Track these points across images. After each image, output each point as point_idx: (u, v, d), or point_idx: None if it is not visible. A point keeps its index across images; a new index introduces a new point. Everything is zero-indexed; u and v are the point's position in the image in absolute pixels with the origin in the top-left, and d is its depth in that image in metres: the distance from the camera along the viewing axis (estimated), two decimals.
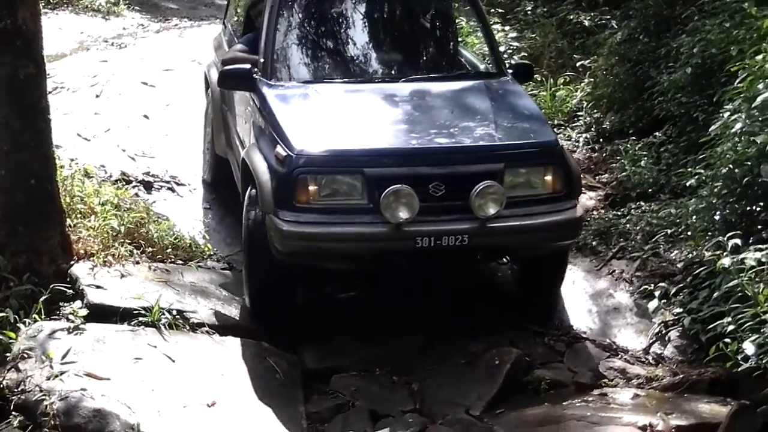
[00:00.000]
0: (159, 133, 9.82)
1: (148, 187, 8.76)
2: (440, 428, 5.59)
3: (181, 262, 7.23)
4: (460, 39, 8.41)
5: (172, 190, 8.83)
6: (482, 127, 6.46)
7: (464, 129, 6.46)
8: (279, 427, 5.54)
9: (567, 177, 6.25)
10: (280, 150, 6.14)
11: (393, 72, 7.32)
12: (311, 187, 6.01)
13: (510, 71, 7.41)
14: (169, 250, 7.30)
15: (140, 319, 6.20)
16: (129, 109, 10.30)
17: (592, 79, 10.62)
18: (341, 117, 6.48)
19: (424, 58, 7.62)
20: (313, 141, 6.17)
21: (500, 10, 12.93)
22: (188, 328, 6.29)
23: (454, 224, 6.01)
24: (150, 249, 7.21)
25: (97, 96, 10.65)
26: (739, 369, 4.69)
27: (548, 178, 6.21)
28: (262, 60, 7.07)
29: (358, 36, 7.55)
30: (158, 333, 6.14)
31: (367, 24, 7.67)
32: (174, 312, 6.31)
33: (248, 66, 7.03)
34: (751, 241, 5.22)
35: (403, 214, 5.91)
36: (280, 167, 6.10)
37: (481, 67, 7.66)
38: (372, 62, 7.52)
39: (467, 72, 7.47)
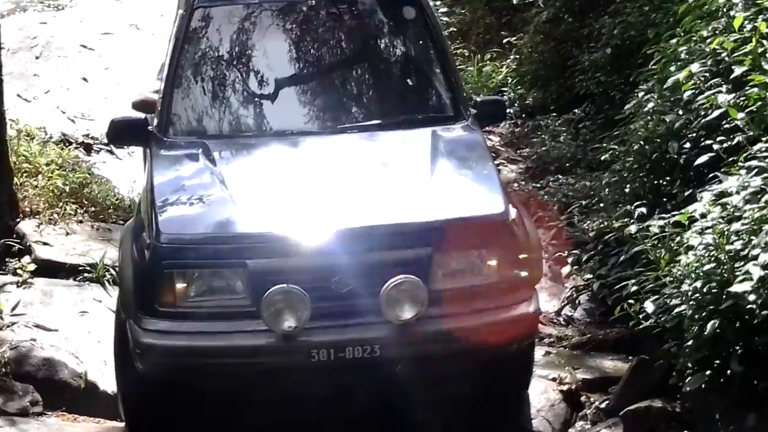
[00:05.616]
0: (98, 95, 10.09)
1: (88, 149, 9.08)
2: None
3: (122, 222, 7.51)
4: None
5: (111, 152, 9.12)
6: (409, 198, 4.95)
7: (384, 201, 4.95)
8: None
9: (518, 261, 4.81)
10: (146, 235, 4.81)
11: (319, 123, 5.79)
12: (179, 285, 4.63)
13: (474, 111, 5.79)
14: (110, 211, 7.67)
15: (85, 275, 6.56)
16: (69, 72, 10.57)
17: (517, 56, 11.10)
18: (232, 189, 5.00)
19: (363, 102, 6.03)
20: (187, 224, 4.85)
21: None
22: None
23: (360, 331, 4.62)
24: (93, 209, 7.57)
25: (37, 58, 10.88)
26: (640, 327, 5.12)
27: (492, 263, 4.77)
28: (158, 108, 5.65)
29: (281, 77, 5.93)
30: (103, 288, 6.52)
31: (291, 62, 6.07)
32: (117, 269, 6.62)
33: (142, 116, 5.78)
34: (656, 212, 5.67)
35: (290, 323, 4.52)
36: (143, 258, 4.76)
37: (444, 107, 5.93)
38: (293, 111, 5.85)
39: (413, 118, 5.77)
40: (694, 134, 5.89)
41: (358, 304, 4.64)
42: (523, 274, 4.85)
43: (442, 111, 5.89)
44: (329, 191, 5.04)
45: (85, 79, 10.48)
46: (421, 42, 6.18)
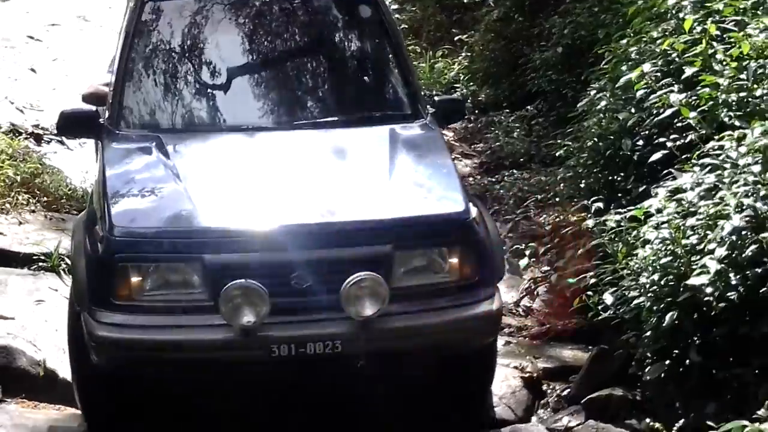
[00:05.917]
0: (47, 86, 10.00)
1: (38, 139, 8.99)
2: None
3: (75, 212, 7.49)
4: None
5: (61, 143, 9.04)
6: (368, 196, 4.93)
7: (344, 199, 4.92)
8: None
9: (480, 259, 4.81)
10: (98, 228, 4.77)
11: (274, 118, 5.73)
12: (134, 279, 4.59)
13: (432, 110, 5.78)
14: (63, 201, 7.62)
15: (40, 264, 6.50)
16: (16, 63, 10.48)
17: (469, 54, 11.23)
18: (187, 183, 4.96)
19: (320, 98, 5.93)
20: (141, 217, 4.81)
21: None
22: None
23: (321, 327, 4.61)
24: (45, 199, 7.51)
25: None
26: (599, 318, 5.22)
27: (453, 260, 4.77)
28: (110, 100, 5.61)
29: (235, 72, 5.83)
30: (58, 277, 6.45)
31: (247, 55, 6.00)
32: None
33: (93, 108, 5.69)
34: (611, 207, 5.77)
35: (248, 318, 4.48)
36: (96, 251, 4.71)
37: (402, 105, 5.88)
38: (248, 105, 5.76)
39: (371, 115, 5.73)
40: (647, 132, 6.00)
41: (319, 300, 4.61)
42: (485, 271, 4.84)
43: (400, 109, 5.85)
44: (287, 187, 4.98)
45: (33, 70, 10.39)
46: (377, 40, 6.14)
